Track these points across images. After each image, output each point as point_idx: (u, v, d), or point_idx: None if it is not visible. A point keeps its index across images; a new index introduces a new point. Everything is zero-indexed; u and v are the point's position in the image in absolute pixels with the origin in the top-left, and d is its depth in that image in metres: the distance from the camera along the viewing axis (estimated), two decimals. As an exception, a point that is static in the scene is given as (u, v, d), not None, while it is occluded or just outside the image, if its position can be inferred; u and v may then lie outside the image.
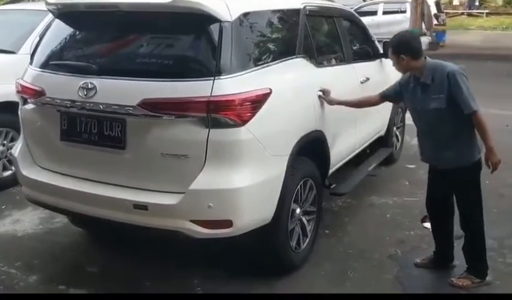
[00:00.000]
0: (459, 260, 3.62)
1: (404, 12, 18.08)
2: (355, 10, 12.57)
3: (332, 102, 3.73)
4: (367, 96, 3.96)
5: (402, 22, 17.72)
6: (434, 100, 3.23)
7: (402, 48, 3.27)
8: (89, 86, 3.04)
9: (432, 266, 3.63)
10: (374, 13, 18.14)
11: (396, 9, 18.66)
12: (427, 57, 3.34)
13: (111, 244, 4.01)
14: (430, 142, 3.42)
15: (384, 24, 17.02)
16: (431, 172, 3.59)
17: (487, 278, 3.43)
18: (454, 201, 3.56)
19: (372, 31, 5.57)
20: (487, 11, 29.32)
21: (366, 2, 20.11)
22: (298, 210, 3.51)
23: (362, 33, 5.16)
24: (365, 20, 5.91)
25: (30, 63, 3.50)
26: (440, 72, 3.23)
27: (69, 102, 3.11)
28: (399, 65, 3.32)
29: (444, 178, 3.45)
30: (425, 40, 16.34)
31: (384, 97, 3.75)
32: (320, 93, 3.69)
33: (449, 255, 3.64)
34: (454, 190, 3.48)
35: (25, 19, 5.75)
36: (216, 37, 2.97)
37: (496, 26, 25.59)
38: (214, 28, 2.98)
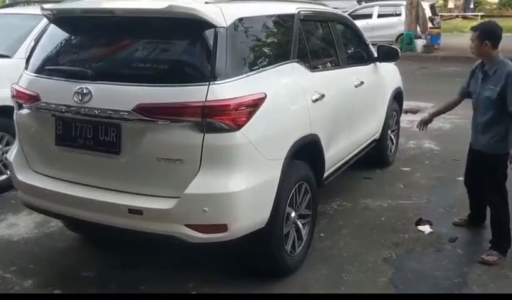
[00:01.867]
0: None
1: (399, 15, 18.16)
2: (350, 14, 12.63)
3: (427, 122, 4.36)
4: (449, 101, 4.28)
5: (397, 25, 17.82)
6: (489, 90, 3.71)
7: (490, 35, 3.70)
8: (84, 91, 3.04)
9: (467, 225, 4.28)
10: (369, 16, 18.21)
11: (391, 12, 18.74)
12: (499, 52, 3.75)
13: (107, 248, 4.01)
14: (474, 123, 3.91)
15: (378, 27, 17.12)
16: (469, 152, 4.09)
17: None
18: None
19: (366, 34, 5.61)
20: (481, 14, 29.47)
21: (361, 6, 20.18)
22: (293, 214, 3.52)
23: (357, 37, 5.18)
24: (360, 23, 5.96)
25: (26, 68, 3.50)
26: (502, 68, 3.68)
27: (64, 107, 3.11)
28: (479, 49, 3.73)
29: (476, 159, 3.96)
30: (419, 43, 16.44)
31: (460, 93, 4.14)
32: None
33: (483, 214, 4.23)
34: (483, 176, 3.93)
35: (20, 23, 5.74)
36: (211, 42, 2.98)
37: (491, 29, 25.66)
38: (209, 33, 2.99)
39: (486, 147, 3.82)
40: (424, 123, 4.40)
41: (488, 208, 4.07)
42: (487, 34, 3.71)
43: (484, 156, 3.85)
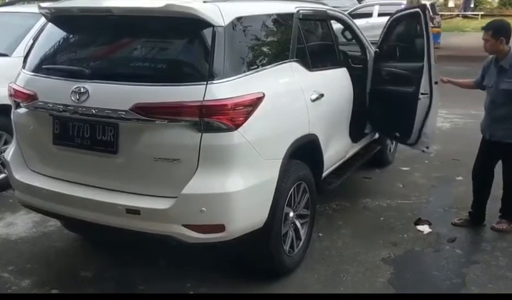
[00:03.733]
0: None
1: (400, 14, 18.07)
2: (350, 12, 12.57)
3: (443, 80, 4.51)
4: (469, 80, 4.49)
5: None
6: (506, 83, 3.93)
7: (504, 32, 3.95)
8: (82, 90, 3.03)
9: (467, 225, 4.34)
10: (369, 15, 18.15)
11: (391, 11, 18.66)
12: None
13: (105, 248, 4.00)
14: (490, 116, 4.11)
15: (379, 26, 17.00)
16: (482, 143, 4.26)
17: None
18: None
19: (367, 33, 5.57)
20: (482, 13, 29.43)
21: (361, 4, 20.12)
22: (291, 214, 3.51)
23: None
24: (360, 22, 5.92)
25: (23, 67, 3.48)
26: None
27: (61, 107, 3.10)
28: (494, 46, 3.98)
29: (492, 149, 4.15)
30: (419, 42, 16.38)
31: (475, 83, 4.36)
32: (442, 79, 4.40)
33: (482, 214, 4.34)
34: (502, 160, 4.17)
35: (19, 21, 5.73)
36: (209, 41, 2.96)
37: (491, 28, 25.61)
38: (207, 33, 2.97)
39: (505, 137, 4.03)
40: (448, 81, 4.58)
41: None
42: (501, 32, 3.94)
43: (503, 145, 4.07)
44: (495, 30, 3.97)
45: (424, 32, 4.26)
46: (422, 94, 4.30)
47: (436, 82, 4.30)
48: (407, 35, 4.83)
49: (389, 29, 4.94)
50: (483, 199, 4.34)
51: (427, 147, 4.53)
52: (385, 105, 4.74)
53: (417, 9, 4.41)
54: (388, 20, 4.99)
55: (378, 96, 4.82)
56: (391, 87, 4.68)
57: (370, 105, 4.91)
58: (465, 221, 4.37)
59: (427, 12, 4.26)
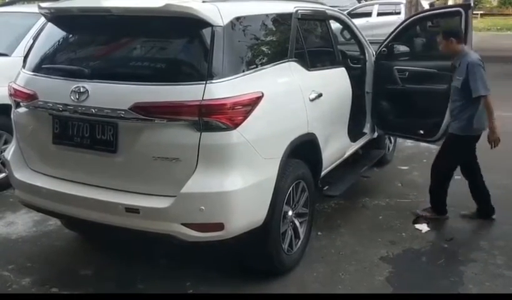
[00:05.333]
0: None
1: (399, 13, 18.09)
2: (349, 12, 12.54)
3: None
4: None
5: (397, 23, 17.72)
6: (456, 80, 4.11)
7: (452, 33, 4.14)
8: (81, 90, 3.04)
9: (475, 217, 4.44)
10: (369, 15, 18.15)
11: (391, 11, 18.67)
12: (465, 47, 4.17)
13: (105, 247, 4.02)
14: (450, 111, 4.29)
15: (378, 26, 17.03)
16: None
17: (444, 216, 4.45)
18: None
19: (366, 33, 5.59)
20: (481, 12, 29.44)
21: (361, 4, 20.12)
22: (290, 213, 3.53)
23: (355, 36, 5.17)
24: (360, 21, 5.94)
25: (23, 66, 3.50)
26: (464, 60, 4.06)
27: (61, 106, 3.12)
28: (446, 47, 4.17)
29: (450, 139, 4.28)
30: (419, 41, 16.40)
31: None
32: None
33: (486, 209, 4.41)
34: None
35: (19, 21, 5.74)
36: (208, 41, 2.98)
37: (490, 27, 25.71)
38: (206, 32, 2.99)
39: (454, 129, 4.22)
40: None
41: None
42: (449, 33, 4.15)
43: (451, 137, 4.26)
44: (444, 32, 4.18)
45: (463, 30, 4.28)
46: None
47: None
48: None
49: (407, 28, 5.00)
50: (477, 193, 4.41)
51: None
52: (405, 104, 4.74)
53: (459, 8, 4.45)
54: (405, 21, 5.07)
55: (392, 96, 4.81)
56: (413, 85, 4.70)
57: (379, 105, 4.88)
58: (473, 214, 4.46)
59: (469, 12, 4.30)
